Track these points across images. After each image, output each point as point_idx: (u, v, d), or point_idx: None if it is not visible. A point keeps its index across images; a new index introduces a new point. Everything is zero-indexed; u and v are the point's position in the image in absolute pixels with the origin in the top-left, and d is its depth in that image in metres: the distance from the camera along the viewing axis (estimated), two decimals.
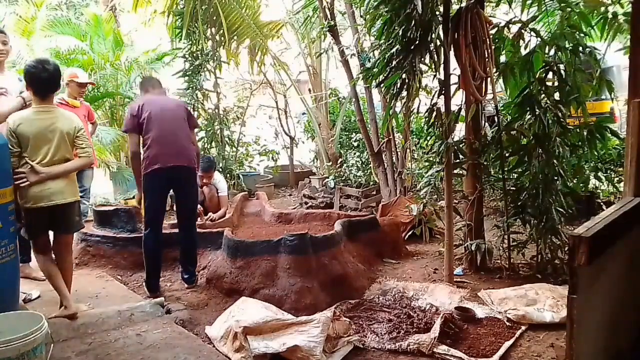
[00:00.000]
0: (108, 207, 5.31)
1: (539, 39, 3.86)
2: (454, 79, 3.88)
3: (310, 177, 7.96)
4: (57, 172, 3.06)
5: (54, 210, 3.06)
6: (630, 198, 2.10)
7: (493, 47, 3.79)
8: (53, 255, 3.20)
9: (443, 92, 3.90)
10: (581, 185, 4.34)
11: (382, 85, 4.27)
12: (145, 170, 3.73)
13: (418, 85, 3.92)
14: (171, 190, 4.03)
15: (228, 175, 7.49)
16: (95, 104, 7.32)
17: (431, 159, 4.38)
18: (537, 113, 3.81)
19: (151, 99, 3.89)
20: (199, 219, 4.84)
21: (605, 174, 5.10)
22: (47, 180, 3.01)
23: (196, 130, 4.49)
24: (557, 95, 3.87)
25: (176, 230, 4.13)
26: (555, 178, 3.86)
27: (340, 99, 8.74)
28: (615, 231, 1.73)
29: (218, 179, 5.60)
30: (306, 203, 7.13)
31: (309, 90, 8.79)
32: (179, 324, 3.20)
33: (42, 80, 3.03)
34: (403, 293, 3.65)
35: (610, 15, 4.18)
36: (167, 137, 3.76)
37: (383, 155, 6.02)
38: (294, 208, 6.95)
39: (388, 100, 4.47)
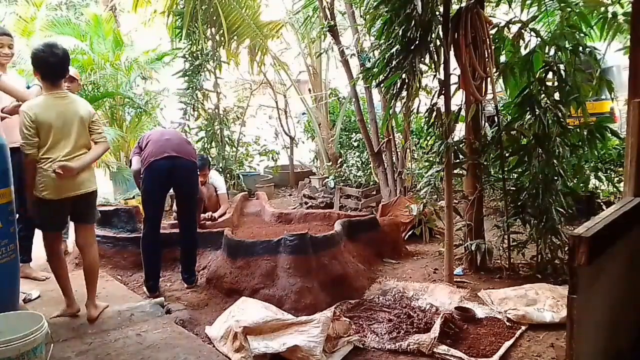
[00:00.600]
0: (108, 207, 5.30)
1: (539, 39, 3.86)
2: (454, 79, 3.88)
3: (310, 177, 7.95)
4: (86, 163, 2.98)
5: (79, 199, 2.99)
6: (630, 198, 2.10)
7: (493, 47, 3.78)
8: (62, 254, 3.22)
9: (443, 92, 3.90)
10: (581, 185, 4.33)
11: (382, 85, 4.27)
12: (145, 166, 3.74)
13: (418, 85, 3.92)
14: (171, 190, 4.03)
15: (228, 175, 7.49)
16: (95, 104, 7.32)
17: (431, 159, 4.37)
18: (537, 113, 3.81)
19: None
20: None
21: (605, 174, 5.10)
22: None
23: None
24: (557, 95, 3.87)
25: (176, 230, 4.13)
26: (555, 178, 3.86)
27: (340, 99, 8.73)
28: (615, 231, 1.73)
29: (214, 177, 5.56)
30: (306, 203, 7.13)
31: (309, 90, 8.78)
32: (179, 324, 3.20)
33: (50, 64, 2.92)
34: (403, 293, 3.65)
35: (610, 15, 4.17)
36: (164, 136, 3.91)
37: (383, 155, 6.01)
38: (294, 208, 6.94)
39: (388, 100, 4.46)
